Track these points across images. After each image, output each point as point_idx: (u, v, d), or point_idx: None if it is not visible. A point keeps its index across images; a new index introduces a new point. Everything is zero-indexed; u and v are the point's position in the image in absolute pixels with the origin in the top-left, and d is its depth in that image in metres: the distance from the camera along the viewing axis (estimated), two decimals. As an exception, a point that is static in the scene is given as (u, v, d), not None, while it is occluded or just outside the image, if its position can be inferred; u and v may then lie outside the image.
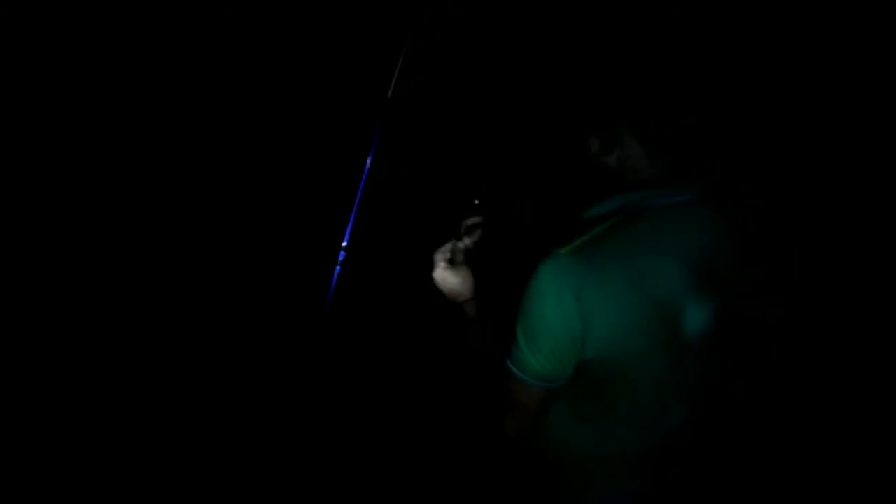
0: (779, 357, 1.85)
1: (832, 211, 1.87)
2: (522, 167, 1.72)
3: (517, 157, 1.78)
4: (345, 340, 1.94)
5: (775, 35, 1.82)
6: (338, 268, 1.73)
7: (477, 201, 1.40)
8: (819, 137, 1.87)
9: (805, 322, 1.88)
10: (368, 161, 1.80)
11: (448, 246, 1.19)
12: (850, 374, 1.82)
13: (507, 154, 1.85)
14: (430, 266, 1.18)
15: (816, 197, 1.90)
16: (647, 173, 0.95)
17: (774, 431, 1.83)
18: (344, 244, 1.69)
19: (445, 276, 1.14)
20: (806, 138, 1.88)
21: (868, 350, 1.81)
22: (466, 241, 1.23)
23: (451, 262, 1.16)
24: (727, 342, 1.02)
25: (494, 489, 1.32)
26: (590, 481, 1.09)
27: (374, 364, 2.01)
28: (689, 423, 1.07)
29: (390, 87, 1.72)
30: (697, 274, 0.92)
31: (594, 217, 0.94)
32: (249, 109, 2.10)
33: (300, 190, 2.15)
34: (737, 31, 1.82)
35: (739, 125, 1.82)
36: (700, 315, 0.94)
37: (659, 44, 0.92)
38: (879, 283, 1.81)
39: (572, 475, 1.09)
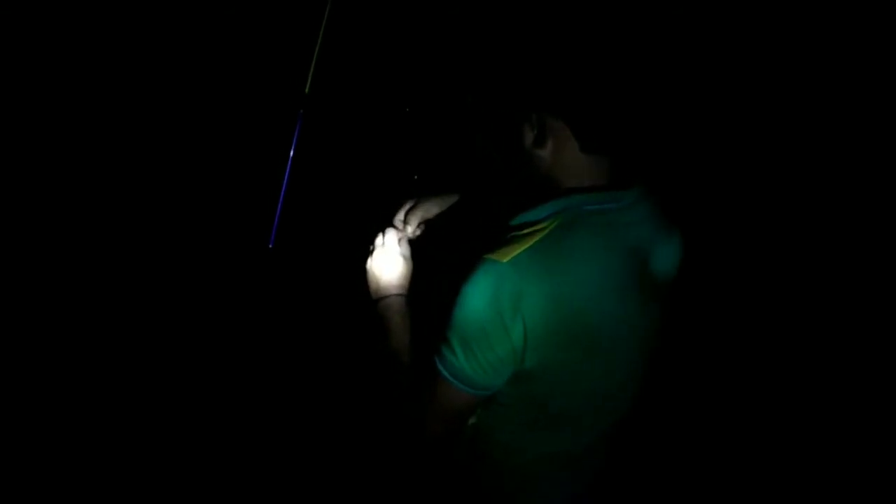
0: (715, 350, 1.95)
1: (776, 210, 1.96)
2: (458, 159, 1.73)
3: (452, 149, 1.80)
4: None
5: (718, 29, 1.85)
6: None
7: (416, 176, 1.32)
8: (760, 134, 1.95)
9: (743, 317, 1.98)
10: (291, 153, 1.80)
11: (392, 233, 1.12)
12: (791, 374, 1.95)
13: (443, 144, 1.86)
14: (364, 253, 1.11)
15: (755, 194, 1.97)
16: (583, 171, 0.92)
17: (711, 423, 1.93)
18: (270, 245, 1.71)
19: (387, 263, 1.09)
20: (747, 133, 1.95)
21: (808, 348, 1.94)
22: (409, 230, 1.16)
23: (392, 250, 1.10)
24: (662, 341, 1.03)
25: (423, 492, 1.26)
26: (530, 481, 1.08)
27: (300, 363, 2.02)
28: (630, 416, 1.08)
29: (307, 82, 1.73)
30: (635, 279, 0.93)
31: (528, 222, 0.90)
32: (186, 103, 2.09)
33: (224, 185, 2.14)
34: (678, 22, 1.84)
35: (679, 122, 1.84)
36: (638, 318, 0.95)
37: (591, 32, 0.88)
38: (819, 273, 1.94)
39: (512, 476, 1.07)
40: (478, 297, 0.85)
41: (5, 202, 1.97)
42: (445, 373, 0.90)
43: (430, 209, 1.20)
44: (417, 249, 1.12)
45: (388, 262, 1.10)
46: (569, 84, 0.87)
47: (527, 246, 0.86)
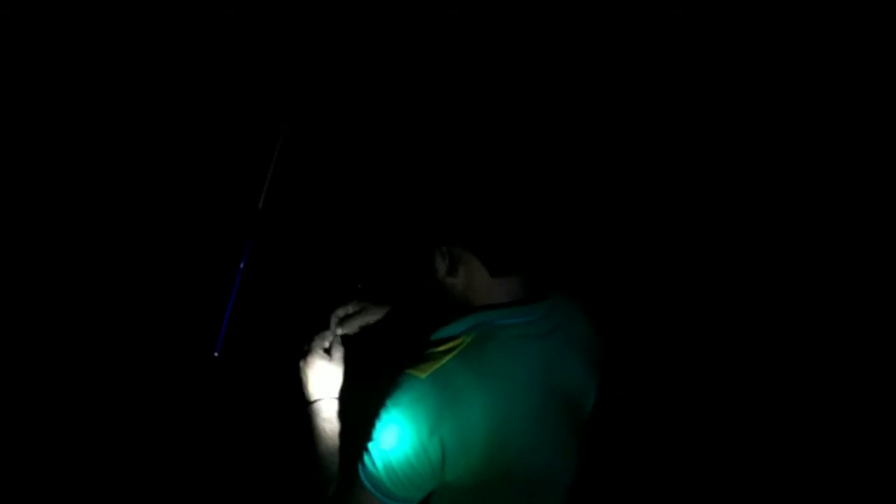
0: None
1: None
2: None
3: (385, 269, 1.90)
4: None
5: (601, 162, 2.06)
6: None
7: (360, 286, 1.38)
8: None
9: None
10: (241, 266, 1.86)
11: (326, 334, 1.14)
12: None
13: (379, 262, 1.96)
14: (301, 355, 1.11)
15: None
16: (495, 291, 0.98)
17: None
18: (216, 353, 1.72)
19: (316, 367, 1.09)
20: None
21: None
22: (339, 332, 1.17)
23: (319, 354, 1.11)
24: (578, 445, 1.08)
25: None
26: None
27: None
28: None
29: (260, 198, 1.84)
30: (547, 391, 0.97)
31: (446, 337, 0.95)
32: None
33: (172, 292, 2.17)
34: (571, 155, 2.04)
35: (581, 243, 1.98)
36: (550, 431, 0.99)
37: (493, 171, 0.97)
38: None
39: None
40: (397, 412, 0.89)
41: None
42: (366, 482, 0.91)
43: (372, 316, 1.23)
44: (353, 354, 1.14)
45: (316, 365, 1.10)
46: (471, 221, 0.96)
47: (444, 361, 0.91)
